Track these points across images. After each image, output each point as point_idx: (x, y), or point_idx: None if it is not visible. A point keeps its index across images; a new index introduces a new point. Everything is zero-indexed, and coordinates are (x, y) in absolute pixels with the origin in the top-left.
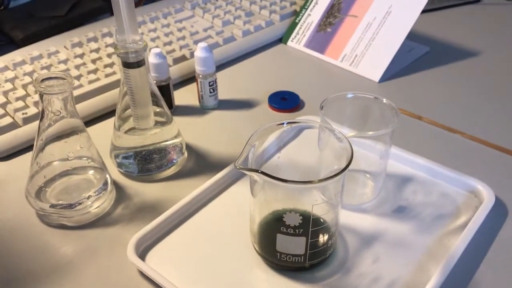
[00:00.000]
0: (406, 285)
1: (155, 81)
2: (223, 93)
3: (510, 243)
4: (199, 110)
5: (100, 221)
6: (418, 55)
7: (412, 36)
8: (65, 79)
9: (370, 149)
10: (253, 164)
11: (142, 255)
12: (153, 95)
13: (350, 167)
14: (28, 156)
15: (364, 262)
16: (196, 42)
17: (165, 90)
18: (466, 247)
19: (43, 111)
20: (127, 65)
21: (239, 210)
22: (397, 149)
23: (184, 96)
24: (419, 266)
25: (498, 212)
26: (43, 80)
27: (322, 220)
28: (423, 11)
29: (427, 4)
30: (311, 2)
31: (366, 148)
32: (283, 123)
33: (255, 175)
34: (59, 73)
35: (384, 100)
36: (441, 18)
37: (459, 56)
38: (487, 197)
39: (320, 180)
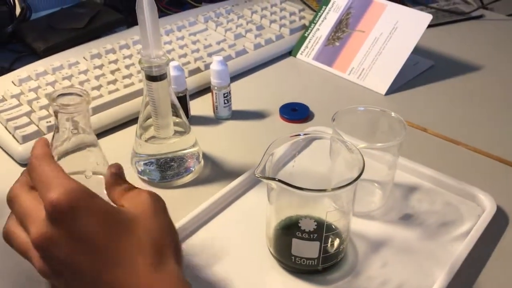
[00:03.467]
0: None
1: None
2: (237, 104)
3: (511, 250)
4: (213, 120)
5: None
6: (423, 69)
7: (416, 51)
8: (81, 96)
9: (379, 160)
10: (270, 173)
11: None
12: (173, 106)
13: (360, 177)
14: None
15: (373, 266)
16: (210, 55)
17: (182, 101)
18: (469, 253)
19: (57, 128)
20: (150, 78)
21: (254, 215)
22: (404, 160)
23: (199, 107)
24: (424, 271)
25: (499, 220)
26: (58, 96)
27: (334, 226)
28: (428, 26)
29: (432, 19)
30: (320, 17)
31: (375, 159)
32: (299, 134)
33: (272, 183)
34: (75, 89)
35: (393, 114)
36: (445, 33)
37: (463, 70)
38: (489, 206)
39: (334, 189)
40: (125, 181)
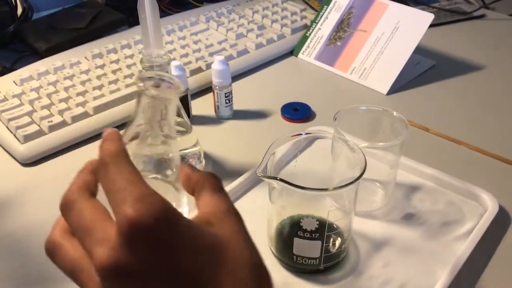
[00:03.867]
0: (414, 287)
1: None
2: (238, 104)
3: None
4: (215, 120)
5: None
6: (425, 68)
7: (418, 50)
8: (172, 83)
9: (381, 159)
10: (272, 172)
11: None
12: None
13: (362, 176)
14: (53, 162)
15: (375, 266)
16: (211, 55)
17: (184, 101)
18: (471, 252)
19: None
20: None
21: (256, 214)
22: (406, 159)
23: (200, 106)
24: (427, 270)
25: (501, 220)
26: (146, 79)
27: (336, 226)
28: (430, 26)
29: (433, 19)
30: (322, 16)
31: (377, 158)
32: (300, 134)
33: (274, 182)
34: (163, 74)
35: (394, 113)
36: (447, 32)
37: (464, 69)
38: (491, 205)
39: (335, 188)
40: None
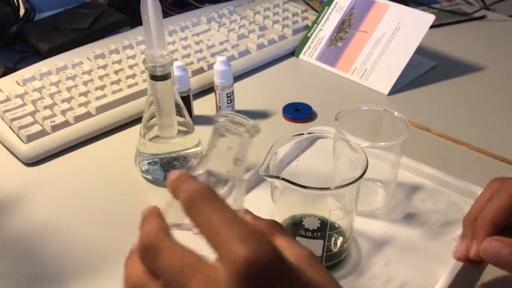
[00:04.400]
0: (415, 286)
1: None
2: (240, 104)
3: None
4: None
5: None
6: (426, 69)
7: (419, 51)
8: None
9: (382, 159)
10: (274, 171)
11: None
12: (176, 105)
13: (364, 175)
14: (56, 162)
15: (376, 265)
16: (213, 55)
17: (186, 101)
18: None
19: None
20: (154, 78)
21: (258, 213)
22: (407, 159)
23: (202, 106)
24: (427, 269)
25: None
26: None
27: (337, 225)
28: (430, 27)
29: (434, 20)
30: (323, 17)
31: (378, 158)
32: (302, 134)
33: (276, 182)
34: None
35: (396, 113)
36: (448, 33)
37: (465, 70)
38: None
39: (337, 187)
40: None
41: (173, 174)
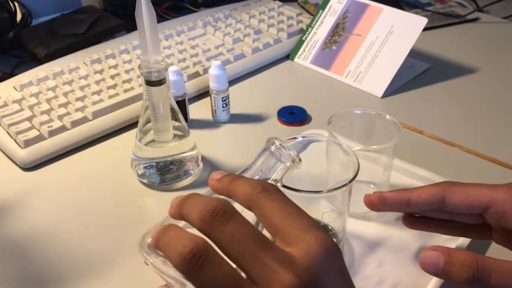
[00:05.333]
0: (407, 287)
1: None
2: (235, 108)
3: (505, 249)
4: (212, 124)
5: (124, 226)
6: (419, 71)
7: (412, 54)
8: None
9: (375, 162)
10: None
11: None
12: (172, 110)
13: (356, 178)
14: (53, 166)
15: (369, 266)
16: (208, 59)
17: (181, 105)
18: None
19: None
20: (149, 83)
21: (252, 217)
22: (400, 161)
23: (198, 110)
24: (420, 270)
25: None
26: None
27: (330, 227)
28: (424, 29)
29: (427, 22)
30: (317, 21)
31: (371, 161)
32: (296, 137)
33: None
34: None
35: (387, 117)
36: (441, 36)
37: (458, 72)
38: None
39: (329, 190)
40: None
41: (217, 174)
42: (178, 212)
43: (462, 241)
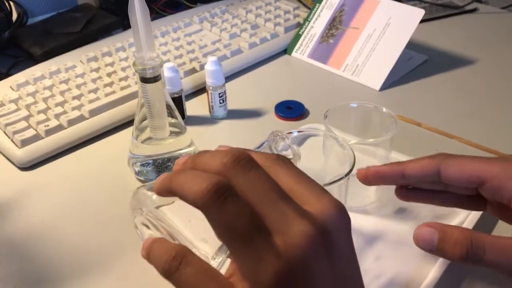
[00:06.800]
0: (406, 280)
1: (168, 94)
2: (232, 103)
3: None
4: (209, 120)
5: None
6: (417, 63)
7: (410, 45)
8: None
9: (372, 155)
10: None
11: None
12: (168, 107)
13: (353, 171)
14: (51, 166)
15: (367, 260)
16: (205, 55)
17: (178, 102)
18: None
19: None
20: (144, 80)
21: None
22: (398, 154)
23: (195, 107)
24: (418, 263)
25: None
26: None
27: None
28: (422, 21)
29: (425, 14)
30: (314, 14)
31: (368, 154)
32: (291, 132)
33: None
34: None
35: (384, 109)
36: (439, 27)
37: (457, 64)
38: None
39: (326, 184)
40: None
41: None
42: (190, 165)
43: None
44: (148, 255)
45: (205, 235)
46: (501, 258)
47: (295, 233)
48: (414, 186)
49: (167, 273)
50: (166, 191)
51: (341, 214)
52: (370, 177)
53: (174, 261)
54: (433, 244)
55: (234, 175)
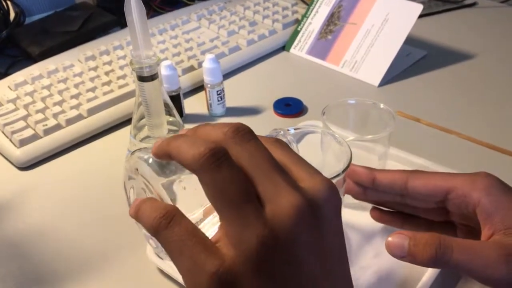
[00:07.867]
0: (404, 276)
1: (166, 92)
2: (230, 101)
3: None
4: (208, 118)
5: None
6: (416, 59)
7: (409, 41)
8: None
9: (370, 151)
10: None
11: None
12: (165, 105)
13: (348, 168)
14: (49, 165)
15: (366, 256)
16: (203, 53)
17: (176, 100)
18: None
19: None
20: (141, 78)
21: None
22: (397, 150)
23: (193, 105)
24: None
25: None
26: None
27: None
28: (420, 16)
29: (424, 8)
30: (312, 10)
31: (366, 150)
32: (288, 130)
33: None
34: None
35: (382, 105)
36: (438, 22)
37: (456, 59)
38: None
39: None
40: None
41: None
42: (191, 134)
43: None
44: (137, 213)
45: (199, 202)
46: (469, 257)
47: (283, 202)
48: (386, 207)
49: (155, 230)
50: (164, 154)
51: (333, 193)
52: (349, 174)
53: (163, 219)
54: (405, 249)
55: (233, 143)
